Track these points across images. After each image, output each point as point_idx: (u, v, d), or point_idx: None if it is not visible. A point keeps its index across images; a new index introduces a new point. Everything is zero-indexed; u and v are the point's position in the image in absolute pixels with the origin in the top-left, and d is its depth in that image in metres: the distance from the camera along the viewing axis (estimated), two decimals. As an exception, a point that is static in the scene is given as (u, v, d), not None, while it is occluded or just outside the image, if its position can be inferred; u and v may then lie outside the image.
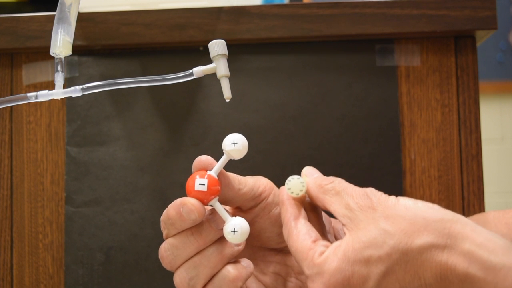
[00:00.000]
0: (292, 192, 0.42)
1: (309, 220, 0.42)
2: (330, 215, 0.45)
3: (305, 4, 0.63)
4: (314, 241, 0.39)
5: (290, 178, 0.42)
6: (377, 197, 0.38)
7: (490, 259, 0.34)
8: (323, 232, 0.43)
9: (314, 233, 0.40)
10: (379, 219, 0.37)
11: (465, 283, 0.34)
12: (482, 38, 0.65)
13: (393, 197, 0.38)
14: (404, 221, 0.36)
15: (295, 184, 0.42)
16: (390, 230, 0.36)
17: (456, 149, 0.63)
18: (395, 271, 0.36)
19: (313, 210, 0.44)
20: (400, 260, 0.35)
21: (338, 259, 0.37)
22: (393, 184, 0.62)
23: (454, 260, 0.34)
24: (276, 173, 0.62)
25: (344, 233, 0.38)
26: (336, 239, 0.47)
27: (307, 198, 0.44)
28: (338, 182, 0.41)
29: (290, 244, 0.40)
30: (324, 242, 0.39)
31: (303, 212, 0.42)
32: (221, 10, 0.63)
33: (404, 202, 0.37)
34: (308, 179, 0.43)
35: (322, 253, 0.38)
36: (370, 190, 0.39)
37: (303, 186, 0.42)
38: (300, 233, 0.40)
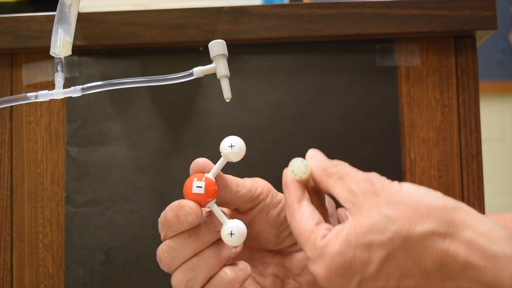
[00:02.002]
0: (296, 175, 0.41)
1: (312, 203, 0.42)
2: (335, 199, 0.45)
3: (305, 4, 0.63)
4: (317, 224, 0.39)
5: (293, 160, 0.42)
6: (380, 182, 0.38)
7: (491, 248, 0.34)
8: (325, 216, 0.43)
9: (317, 216, 0.40)
10: (381, 205, 0.37)
11: (465, 271, 0.34)
12: (482, 38, 0.65)
13: (396, 182, 0.38)
14: (406, 207, 0.36)
15: (298, 167, 0.41)
16: (393, 216, 0.36)
17: (456, 149, 0.63)
18: (396, 256, 0.36)
19: (316, 194, 0.44)
20: (401, 246, 0.35)
21: (340, 242, 0.37)
22: (393, 184, 0.62)
23: (455, 248, 0.35)
24: (276, 173, 0.62)
25: (347, 217, 0.38)
26: (339, 223, 0.47)
27: (311, 182, 0.44)
28: (342, 166, 0.41)
29: (293, 226, 0.40)
30: (327, 225, 0.39)
31: (306, 195, 0.41)
32: (221, 10, 0.63)
33: (407, 188, 0.37)
34: (313, 162, 0.42)
35: (324, 236, 0.38)
36: (374, 175, 0.39)
37: (306, 168, 0.41)
38: (303, 215, 0.40)
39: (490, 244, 0.34)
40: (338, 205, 0.48)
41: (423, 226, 0.35)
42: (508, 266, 0.33)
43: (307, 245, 0.38)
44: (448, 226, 0.35)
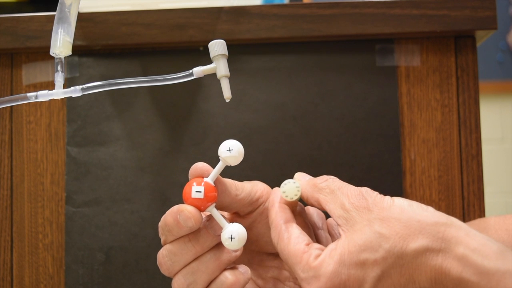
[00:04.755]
0: (287, 196, 0.42)
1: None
2: (327, 215, 0.45)
3: (305, 4, 0.63)
4: (307, 244, 0.39)
5: (285, 181, 0.42)
6: (372, 198, 0.38)
7: (483, 264, 0.34)
8: (310, 235, 0.43)
9: (306, 236, 0.40)
10: (374, 221, 0.37)
11: (459, 287, 0.34)
12: (482, 38, 0.65)
13: (388, 197, 0.38)
14: (399, 224, 0.36)
15: (290, 188, 0.42)
16: (386, 233, 0.36)
17: (456, 149, 0.63)
18: (390, 274, 0.36)
19: (299, 214, 0.44)
20: (395, 264, 0.35)
21: (335, 262, 0.37)
22: (393, 184, 0.62)
23: (448, 265, 0.34)
24: (276, 174, 0.62)
25: (339, 234, 0.38)
26: (330, 234, 0.47)
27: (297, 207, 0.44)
28: (332, 181, 0.41)
29: (281, 247, 0.40)
30: (318, 245, 0.39)
31: (293, 217, 0.42)
32: (221, 10, 0.63)
33: (399, 203, 0.37)
34: (301, 181, 0.43)
35: (317, 256, 0.38)
36: (366, 190, 0.39)
37: (298, 190, 0.41)
38: (292, 236, 0.40)
39: (482, 260, 0.34)
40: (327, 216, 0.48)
41: (416, 243, 0.35)
42: (501, 282, 0.33)
43: (298, 266, 0.38)
44: (441, 242, 0.35)
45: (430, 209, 0.37)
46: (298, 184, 0.42)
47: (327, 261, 0.37)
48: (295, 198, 0.41)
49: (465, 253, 0.34)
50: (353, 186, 0.40)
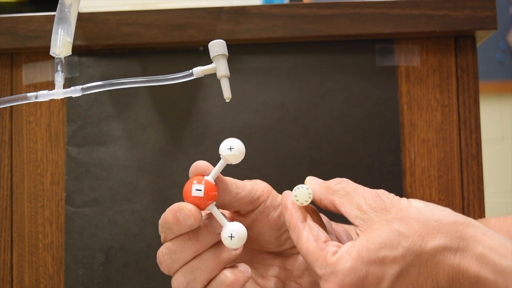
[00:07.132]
0: (298, 200, 0.42)
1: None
2: (334, 217, 0.45)
3: (305, 4, 0.63)
4: (325, 242, 0.39)
5: (298, 186, 0.42)
6: (389, 199, 0.39)
7: (501, 263, 0.34)
8: (328, 233, 0.43)
9: (323, 234, 0.40)
10: (393, 221, 0.37)
11: (476, 285, 0.35)
12: (482, 38, 0.65)
13: (404, 199, 0.39)
14: (417, 223, 0.36)
15: (302, 193, 0.42)
16: (405, 232, 0.36)
17: (456, 149, 0.63)
18: (409, 272, 0.36)
19: (314, 212, 0.44)
20: (414, 262, 0.36)
21: (352, 258, 0.37)
22: (393, 184, 0.62)
23: (466, 263, 0.35)
24: (276, 173, 0.62)
25: (357, 234, 0.38)
26: (338, 240, 0.47)
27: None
28: (346, 183, 0.41)
29: (300, 246, 0.40)
30: (335, 243, 0.39)
31: (308, 215, 0.42)
32: (221, 10, 0.63)
33: (417, 205, 0.38)
34: (313, 184, 0.43)
35: (335, 252, 0.38)
36: (382, 192, 0.40)
37: (310, 197, 0.42)
38: (310, 234, 0.40)
39: (500, 258, 0.34)
40: (332, 219, 0.48)
41: (434, 242, 0.36)
42: None
43: (317, 263, 0.38)
44: (459, 241, 0.35)
45: (447, 210, 0.38)
46: (310, 190, 0.42)
47: (345, 257, 0.37)
48: (305, 204, 0.42)
49: (483, 252, 0.35)
50: (368, 188, 0.40)
